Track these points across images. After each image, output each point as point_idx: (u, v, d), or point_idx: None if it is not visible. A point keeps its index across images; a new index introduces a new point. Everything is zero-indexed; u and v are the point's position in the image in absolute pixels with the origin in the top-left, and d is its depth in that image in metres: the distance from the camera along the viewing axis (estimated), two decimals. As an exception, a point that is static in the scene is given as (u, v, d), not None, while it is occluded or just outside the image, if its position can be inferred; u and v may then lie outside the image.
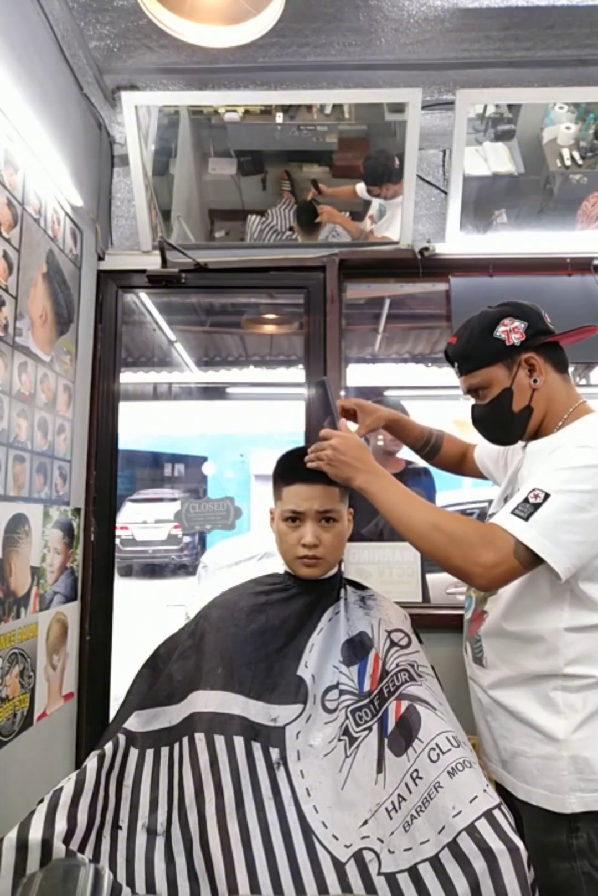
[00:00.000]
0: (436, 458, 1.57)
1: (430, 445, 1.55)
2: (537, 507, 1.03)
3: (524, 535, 1.02)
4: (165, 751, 1.11)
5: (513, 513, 1.05)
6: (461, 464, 1.58)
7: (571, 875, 1.06)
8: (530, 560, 1.03)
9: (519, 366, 1.20)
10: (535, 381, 1.19)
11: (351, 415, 1.43)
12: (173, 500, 8.67)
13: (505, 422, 1.23)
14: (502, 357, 1.20)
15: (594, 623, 1.10)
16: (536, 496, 1.04)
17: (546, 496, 1.03)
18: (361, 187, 2.37)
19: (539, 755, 1.11)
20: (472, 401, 1.29)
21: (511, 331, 1.20)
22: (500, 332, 1.20)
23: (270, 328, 3.55)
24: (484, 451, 1.52)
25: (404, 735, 1.04)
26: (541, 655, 1.13)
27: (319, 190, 2.42)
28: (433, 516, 1.11)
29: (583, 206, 2.07)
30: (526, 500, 1.05)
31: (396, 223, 2.10)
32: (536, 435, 1.25)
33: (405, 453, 2.44)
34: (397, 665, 1.17)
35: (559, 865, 1.07)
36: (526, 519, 1.03)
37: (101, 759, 1.05)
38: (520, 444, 1.32)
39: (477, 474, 1.55)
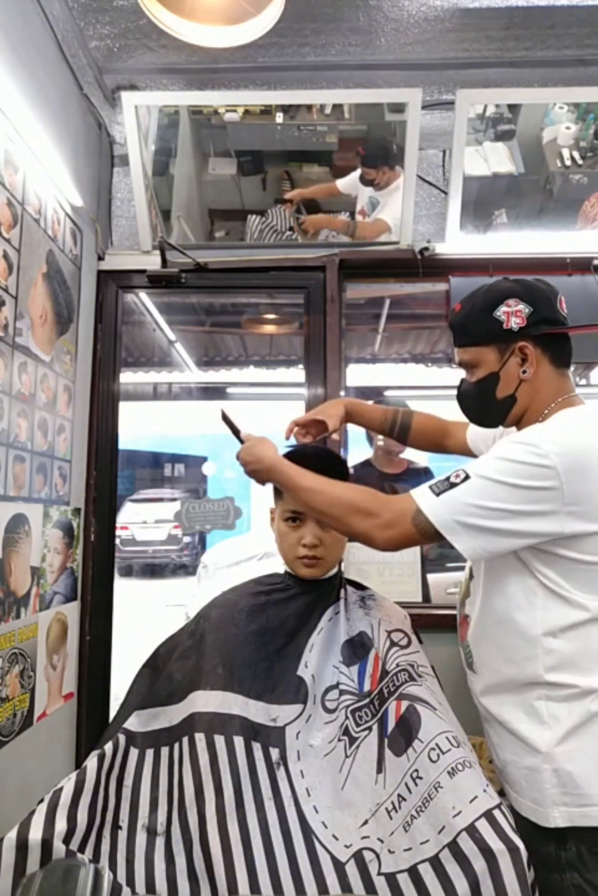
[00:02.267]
0: (409, 437, 1.50)
1: (398, 425, 1.48)
2: (453, 485, 1.04)
3: (426, 505, 1.04)
4: (165, 751, 1.11)
5: (430, 487, 1.07)
6: (443, 440, 1.49)
7: (561, 886, 1.03)
8: (430, 533, 1.05)
9: (512, 353, 1.12)
10: (524, 371, 1.12)
11: (321, 426, 1.41)
12: (173, 500, 8.67)
13: (486, 406, 1.18)
14: (495, 340, 1.13)
15: (570, 623, 1.04)
16: (457, 476, 1.05)
17: (466, 477, 1.04)
18: (343, 183, 2.31)
19: (526, 766, 1.07)
20: (463, 373, 1.23)
21: (513, 314, 1.12)
22: (500, 312, 1.12)
23: (270, 328, 3.55)
24: (479, 434, 1.43)
25: (404, 735, 1.04)
26: (520, 661, 1.08)
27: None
28: (339, 489, 1.14)
29: (583, 207, 2.07)
30: (447, 479, 1.06)
31: (390, 209, 2.08)
32: (517, 425, 1.19)
33: (407, 454, 2.44)
34: (397, 665, 1.17)
35: (549, 876, 1.02)
36: (438, 495, 1.05)
37: (101, 759, 1.05)
38: (513, 428, 1.24)
39: (465, 452, 1.46)
